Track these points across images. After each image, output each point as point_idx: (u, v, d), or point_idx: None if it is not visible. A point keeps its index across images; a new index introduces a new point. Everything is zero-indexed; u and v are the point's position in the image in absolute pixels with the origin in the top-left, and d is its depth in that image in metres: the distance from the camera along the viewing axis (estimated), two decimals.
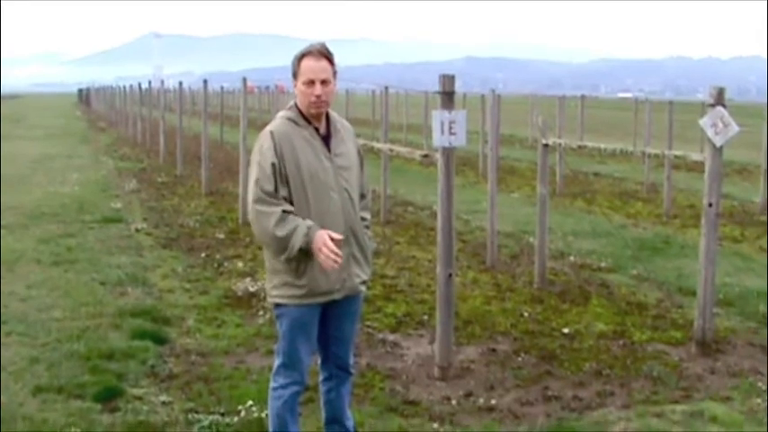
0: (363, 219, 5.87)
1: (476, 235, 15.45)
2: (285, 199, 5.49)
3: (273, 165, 5.47)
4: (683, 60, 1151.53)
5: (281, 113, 5.70)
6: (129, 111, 46.77)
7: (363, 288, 5.90)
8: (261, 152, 5.53)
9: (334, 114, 5.79)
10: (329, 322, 5.81)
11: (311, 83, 5.51)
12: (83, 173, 25.51)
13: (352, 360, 6.15)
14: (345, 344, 5.99)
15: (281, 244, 5.43)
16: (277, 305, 5.73)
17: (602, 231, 16.43)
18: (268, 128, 5.64)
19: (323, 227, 5.45)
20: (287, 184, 5.49)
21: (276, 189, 5.46)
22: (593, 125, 36.29)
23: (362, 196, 5.87)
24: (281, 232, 5.40)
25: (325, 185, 5.56)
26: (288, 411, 5.84)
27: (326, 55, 5.58)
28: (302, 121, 5.61)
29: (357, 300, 5.91)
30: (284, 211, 5.43)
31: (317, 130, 5.63)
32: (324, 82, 5.53)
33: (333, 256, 5.34)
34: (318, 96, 5.52)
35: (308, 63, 5.53)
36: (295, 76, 5.60)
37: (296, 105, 5.66)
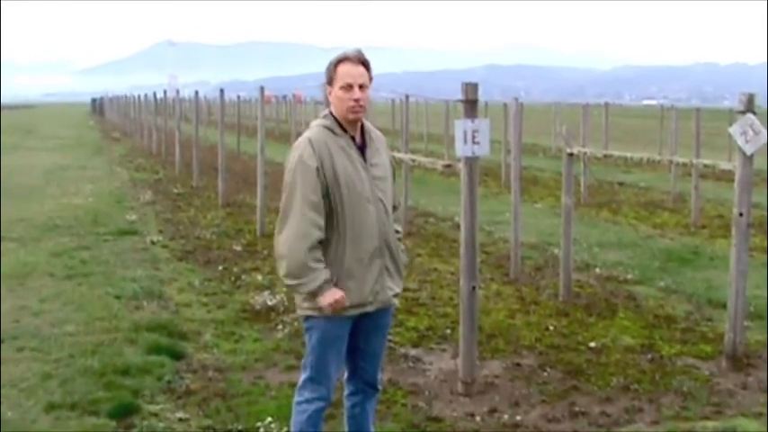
0: (396, 231, 5.76)
1: (499, 246, 15.26)
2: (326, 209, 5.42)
3: (318, 169, 5.35)
4: (709, 66, 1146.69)
5: (317, 122, 5.58)
6: (143, 121, 46.79)
7: (396, 301, 5.80)
8: (301, 161, 5.39)
9: (367, 123, 5.70)
10: (359, 335, 5.70)
11: (350, 87, 5.42)
12: (97, 184, 25.40)
13: (380, 375, 6.04)
14: (374, 358, 5.88)
15: (308, 272, 5.35)
16: (307, 317, 5.59)
17: (629, 242, 16.27)
18: (305, 135, 5.51)
19: (358, 238, 5.43)
20: (326, 193, 5.38)
21: (320, 197, 5.36)
22: (617, 134, 36.14)
23: (394, 207, 5.76)
24: (310, 261, 5.34)
25: (362, 196, 5.45)
26: (311, 427, 5.71)
27: (364, 61, 5.51)
28: (339, 130, 5.50)
29: (388, 313, 5.80)
30: (318, 240, 5.37)
31: (353, 139, 5.53)
32: (361, 87, 5.45)
33: (338, 309, 5.43)
34: (357, 101, 5.42)
35: (345, 68, 5.46)
36: (330, 82, 5.52)
37: (331, 113, 5.54)
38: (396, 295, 5.75)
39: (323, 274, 5.35)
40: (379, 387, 6.09)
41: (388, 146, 5.86)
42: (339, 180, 5.38)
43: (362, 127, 5.61)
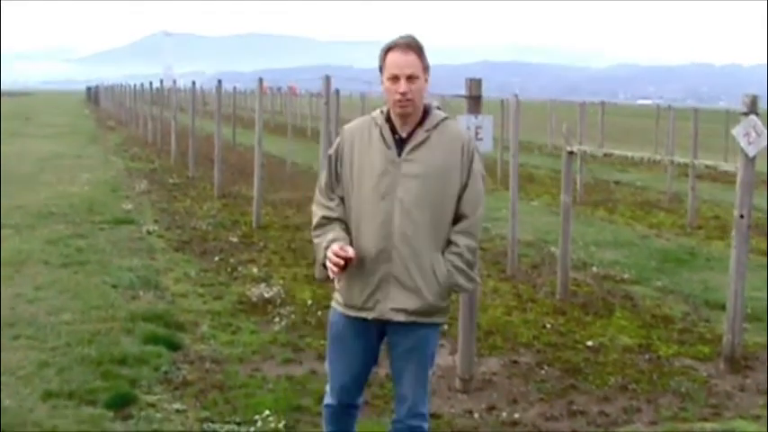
0: (453, 244, 5.09)
1: (496, 243, 15.18)
2: (341, 199, 5.16)
3: (331, 158, 5.18)
4: (704, 67, 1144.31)
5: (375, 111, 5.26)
6: (139, 110, 46.61)
7: (401, 318, 5.08)
8: (332, 147, 5.25)
9: (438, 118, 5.13)
10: (390, 353, 5.31)
11: (396, 78, 4.95)
12: (92, 172, 25.26)
13: (422, 409, 5.29)
14: (402, 383, 5.26)
15: (315, 249, 5.18)
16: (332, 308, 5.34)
17: (625, 241, 16.24)
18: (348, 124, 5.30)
19: (359, 236, 5.05)
20: (342, 184, 5.15)
21: (331, 185, 5.18)
22: (613, 132, 36.02)
23: (462, 217, 5.10)
24: (314, 239, 5.15)
25: (374, 191, 5.01)
26: (331, 427, 5.48)
27: (414, 48, 5.00)
28: (381, 121, 5.10)
29: (407, 333, 5.15)
30: (324, 217, 5.14)
31: (393, 131, 5.08)
32: (410, 78, 4.95)
33: (333, 268, 4.97)
34: (404, 94, 4.94)
35: (393, 57, 4.98)
36: (381, 71, 5.07)
37: None
38: (402, 311, 5.07)
39: (323, 244, 5.06)
40: (416, 424, 5.28)
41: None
42: (354, 171, 5.06)
43: (424, 120, 5.10)
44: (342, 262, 4.93)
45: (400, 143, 5.07)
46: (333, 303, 5.30)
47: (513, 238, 12.93)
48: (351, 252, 4.94)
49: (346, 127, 5.23)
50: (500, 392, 7.95)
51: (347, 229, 5.12)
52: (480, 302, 10.45)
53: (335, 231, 5.08)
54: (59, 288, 11.09)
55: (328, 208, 5.14)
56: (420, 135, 5.06)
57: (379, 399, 7.43)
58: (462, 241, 5.08)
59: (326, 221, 5.12)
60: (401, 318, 5.07)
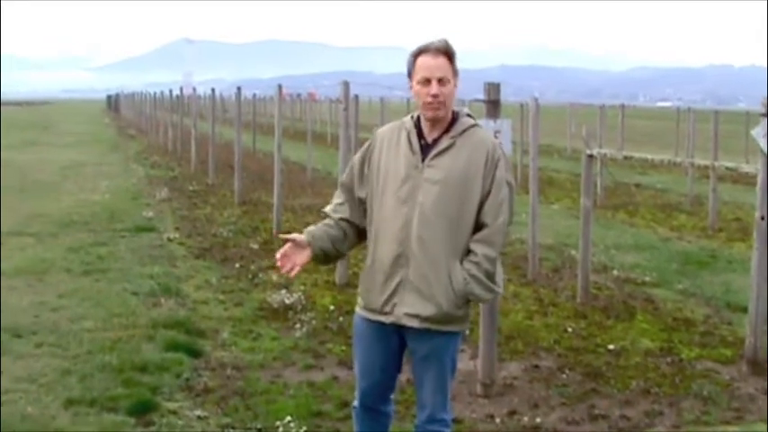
0: (470, 251, 5.00)
1: (516, 247, 15.14)
2: (361, 200, 5.18)
3: (360, 160, 5.19)
4: (724, 69, 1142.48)
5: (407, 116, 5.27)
6: (159, 118, 46.73)
7: (414, 324, 5.02)
8: (362, 148, 5.26)
9: (465, 125, 5.10)
10: (411, 359, 5.27)
11: (427, 81, 4.93)
12: (113, 180, 25.37)
13: (442, 415, 5.26)
14: (422, 390, 5.24)
15: None
16: None
17: (645, 244, 16.18)
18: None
19: (378, 239, 5.06)
20: (369, 185, 5.14)
21: (350, 185, 5.22)
22: (632, 135, 35.99)
23: (483, 226, 5.01)
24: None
25: (396, 195, 4.98)
26: (357, 428, 5.48)
27: (445, 52, 4.99)
28: (410, 126, 5.08)
29: (423, 340, 5.09)
30: (326, 214, 5.28)
31: (420, 136, 5.06)
32: (441, 81, 4.94)
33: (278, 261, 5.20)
34: (435, 96, 4.92)
35: (424, 60, 4.96)
36: (410, 75, 5.05)
37: None
38: (416, 317, 5.01)
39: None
40: (433, 429, 5.25)
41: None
42: (380, 175, 5.05)
43: (451, 127, 5.07)
44: (288, 266, 5.15)
45: (426, 149, 5.03)
46: (357, 306, 5.29)
47: (534, 241, 12.91)
48: (287, 246, 5.15)
49: (379, 130, 5.23)
50: (521, 397, 7.93)
51: (343, 229, 5.23)
52: (501, 307, 10.44)
53: (317, 226, 5.23)
54: (81, 296, 11.14)
55: (334, 206, 5.27)
56: (445, 141, 5.03)
57: (398, 404, 7.39)
58: (481, 250, 4.98)
59: (325, 216, 5.28)
60: (414, 323, 5.02)
